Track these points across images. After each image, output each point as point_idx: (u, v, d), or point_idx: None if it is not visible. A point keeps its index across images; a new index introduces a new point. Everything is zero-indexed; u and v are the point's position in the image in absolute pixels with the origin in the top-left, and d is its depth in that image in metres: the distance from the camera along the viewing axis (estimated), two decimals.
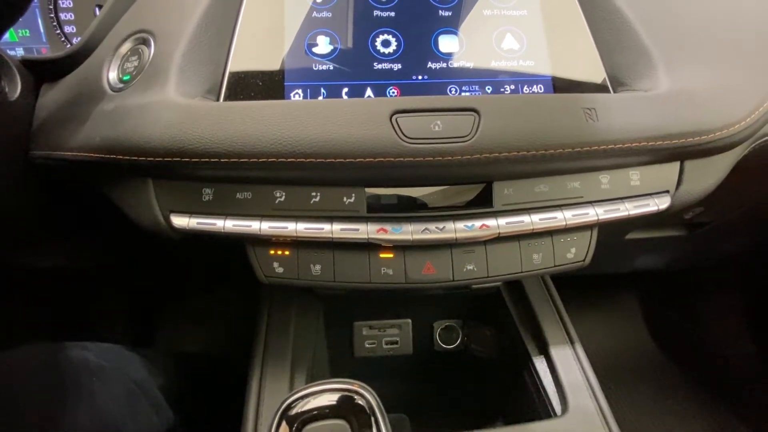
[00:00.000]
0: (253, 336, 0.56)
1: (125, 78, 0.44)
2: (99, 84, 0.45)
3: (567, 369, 0.53)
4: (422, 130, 0.38)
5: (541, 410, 0.53)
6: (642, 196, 0.45)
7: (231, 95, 0.43)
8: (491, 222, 0.42)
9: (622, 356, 1.04)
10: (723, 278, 1.05)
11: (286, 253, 0.45)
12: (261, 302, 0.60)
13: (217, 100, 0.43)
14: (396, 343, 0.70)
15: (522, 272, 0.46)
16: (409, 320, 0.70)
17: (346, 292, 0.59)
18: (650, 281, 1.09)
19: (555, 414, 0.50)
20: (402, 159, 0.38)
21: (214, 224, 0.41)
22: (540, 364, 0.56)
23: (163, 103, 0.39)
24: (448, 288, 0.49)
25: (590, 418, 0.48)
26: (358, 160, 0.38)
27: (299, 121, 0.38)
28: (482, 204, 0.43)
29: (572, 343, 0.57)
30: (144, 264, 0.82)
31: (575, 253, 0.47)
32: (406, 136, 0.38)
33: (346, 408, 0.31)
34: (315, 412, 0.31)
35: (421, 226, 0.42)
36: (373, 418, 0.31)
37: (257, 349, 0.53)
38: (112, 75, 0.45)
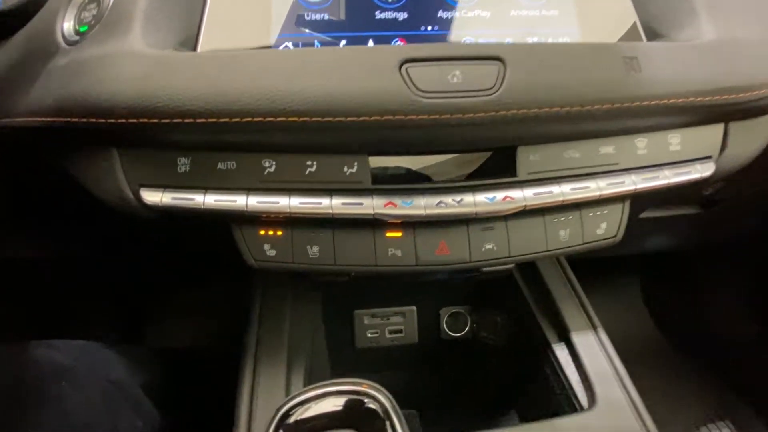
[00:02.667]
0: (244, 329, 0.50)
1: (82, 29, 0.37)
2: (52, 38, 0.38)
3: (592, 357, 0.48)
4: (438, 82, 0.32)
5: (564, 403, 0.48)
6: (683, 163, 0.40)
7: (209, 48, 0.36)
8: (516, 193, 0.37)
9: (622, 340, 1.01)
10: (727, 259, 1.01)
11: (279, 233, 0.39)
12: (253, 291, 0.54)
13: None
14: (400, 331, 0.65)
15: (547, 251, 0.41)
16: (414, 307, 0.65)
17: (348, 278, 0.54)
18: (651, 263, 1.05)
19: (581, 407, 0.45)
20: (414, 117, 0.32)
21: (193, 199, 0.35)
22: (561, 352, 0.51)
23: (126, 53, 0.33)
24: (462, 270, 0.44)
25: (621, 411, 0.44)
26: (362, 118, 0.32)
27: (291, 72, 0.32)
28: (504, 173, 0.37)
29: (595, 328, 0.52)
30: (125, 253, 0.76)
31: (606, 228, 0.42)
32: (419, 90, 0.32)
33: (355, 414, 0.26)
34: (318, 421, 0.25)
35: (434, 199, 0.36)
36: (388, 423, 0.25)
37: (249, 343, 0.48)
38: (67, 26, 0.38)
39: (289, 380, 0.46)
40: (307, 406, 0.27)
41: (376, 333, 0.65)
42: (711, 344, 0.98)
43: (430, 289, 0.65)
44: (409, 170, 0.38)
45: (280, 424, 0.25)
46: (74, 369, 0.46)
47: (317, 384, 0.28)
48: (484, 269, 0.56)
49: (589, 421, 0.43)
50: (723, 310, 1.02)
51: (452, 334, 0.67)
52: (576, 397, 0.46)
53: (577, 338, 0.50)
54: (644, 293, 1.09)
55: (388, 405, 0.26)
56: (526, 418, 0.59)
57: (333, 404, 0.27)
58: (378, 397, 0.27)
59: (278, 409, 0.26)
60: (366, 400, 0.27)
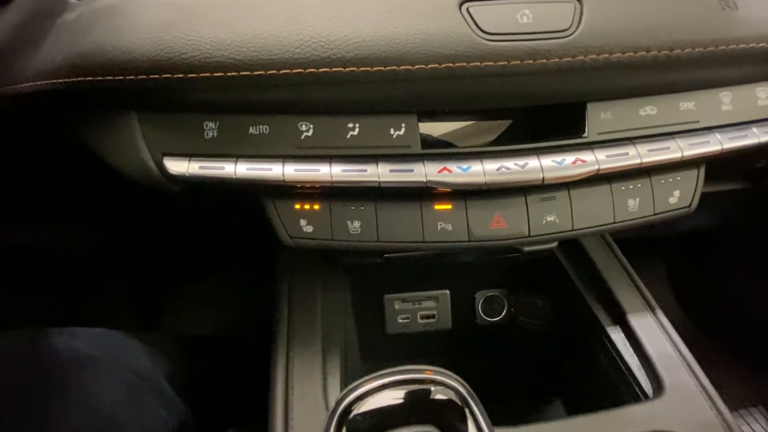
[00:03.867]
0: (273, 315, 0.47)
1: None
2: None
3: (653, 341, 0.44)
4: (506, 23, 0.27)
5: (625, 391, 0.44)
6: None
7: None
8: (587, 156, 0.32)
9: None
10: (760, 241, 0.96)
11: (316, 206, 0.35)
12: (280, 276, 0.51)
13: None
14: (433, 317, 0.62)
15: (615, 223, 0.37)
16: (447, 291, 0.61)
17: (380, 260, 0.50)
18: (676, 245, 1.00)
19: (646, 396, 0.41)
20: (477, 64, 0.27)
21: (222, 169, 0.31)
22: (617, 336, 0.47)
23: None
24: (521, 245, 0.39)
25: (693, 399, 0.39)
26: (417, 67, 0.27)
27: (335, 15, 0.27)
28: (572, 133, 0.33)
29: (653, 310, 0.48)
30: (144, 239, 0.73)
31: (679, 197, 0.38)
32: (483, 31, 0.27)
33: (424, 407, 0.22)
34: (385, 417, 0.21)
35: (494, 164, 0.32)
36: (468, 411, 0.22)
37: (280, 332, 0.44)
38: None
39: (325, 371, 0.43)
40: (365, 399, 0.23)
41: (407, 318, 0.61)
42: (740, 329, 0.94)
43: (463, 271, 0.61)
44: (461, 132, 0.33)
45: (342, 420, 0.21)
46: (97, 358, 0.43)
47: (375, 374, 0.24)
48: (527, 248, 0.52)
49: (657, 410, 0.39)
50: (754, 295, 0.97)
51: (488, 318, 0.63)
52: (639, 384, 0.42)
53: (634, 321, 0.46)
54: (669, 276, 1.04)
55: (464, 391, 0.22)
56: (574, 407, 0.55)
57: (393, 396, 0.24)
58: (451, 383, 0.23)
59: (338, 403, 0.22)
60: (434, 389, 0.23)
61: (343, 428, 0.21)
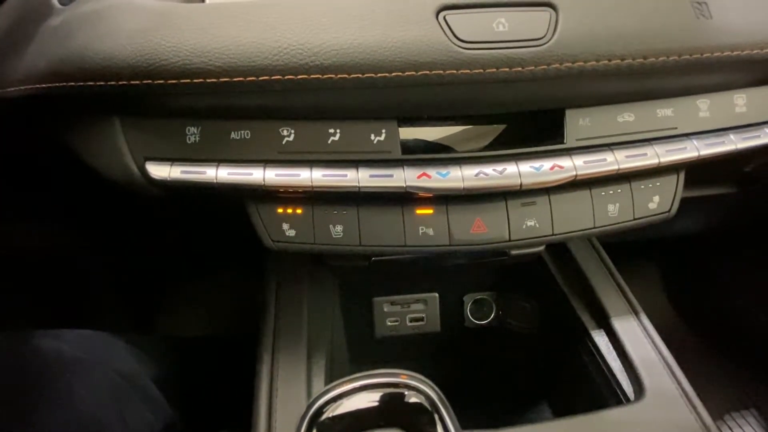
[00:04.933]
0: (259, 319, 0.47)
1: None
2: None
3: (635, 344, 0.45)
4: (482, 31, 0.28)
5: (607, 394, 0.44)
6: (750, 126, 0.36)
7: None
8: (565, 162, 0.33)
9: None
10: (753, 244, 0.96)
11: (298, 211, 0.35)
12: (267, 279, 0.51)
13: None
14: (422, 320, 0.62)
15: (595, 228, 0.37)
16: (436, 294, 0.62)
17: (368, 263, 0.50)
18: (669, 248, 1.00)
19: (628, 399, 0.42)
20: (454, 72, 0.28)
21: (204, 173, 0.32)
22: (600, 340, 0.47)
23: (126, 4, 0.29)
24: (502, 249, 0.40)
25: (673, 402, 0.40)
26: (394, 74, 0.28)
27: (314, 23, 0.28)
28: (551, 139, 0.33)
29: (636, 313, 0.48)
30: (135, 241, 0.73)
31: (659, 202, 0.38)
32: (459, 40, 0.28)
33: (396, 409, 0.23)
34: (356, 419, 0.22)
35: (473, 170, 0.33)
36: (437, 417, 0.22)
37: (266, 334, 0.45)
38: None
39: (310, 373, 0.43)
40: (339, 402, 0.23)
41: (396, 321, 0.62)
42: (734, 332, 0.94)
43: (452, 274, 0.61)
44: (441, 138, 0.34)
45: (312, 422, 0.22)
46: (81, 360, 0.43)
47: (351, 377, 0.25)
48: (514, 252, 0.52)
49: (638, 413, 0.39)
50: (747, 297, 0.97)
51: (476, 321, 0.63)
52: (621, 387, 0.43)
53: (618, 324, 0.46)
54: (663, 279, 1.05)
55: (434, 396, 0.23)
56: (560, 410, 0.56)
57: (368, 399, 0.24)
58: (422, 388, 0.23)
59: (309, 406, 0.22)
60: (407, 393, 0.24)
61: (314, 430, 0.22)
